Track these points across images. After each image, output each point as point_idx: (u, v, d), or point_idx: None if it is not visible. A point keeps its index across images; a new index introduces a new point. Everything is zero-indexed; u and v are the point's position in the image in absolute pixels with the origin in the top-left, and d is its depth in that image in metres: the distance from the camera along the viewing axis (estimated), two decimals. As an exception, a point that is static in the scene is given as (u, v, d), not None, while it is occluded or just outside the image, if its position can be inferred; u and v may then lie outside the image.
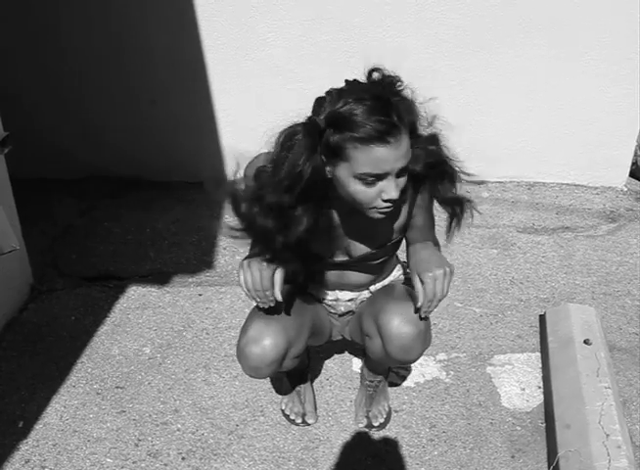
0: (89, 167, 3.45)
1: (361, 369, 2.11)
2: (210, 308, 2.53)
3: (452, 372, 2.23)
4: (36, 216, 3.08)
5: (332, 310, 1.89)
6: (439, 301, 1.54)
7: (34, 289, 2.62)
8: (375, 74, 1.49)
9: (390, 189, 1.45)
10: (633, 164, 3.42)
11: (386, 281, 1.85)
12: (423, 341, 1.67)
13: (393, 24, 3.08)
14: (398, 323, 1.63)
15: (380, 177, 1.44)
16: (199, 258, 2.84)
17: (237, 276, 1.58)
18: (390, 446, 1.96)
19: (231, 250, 2.89)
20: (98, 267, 2.79)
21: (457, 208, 1.66)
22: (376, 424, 2.00)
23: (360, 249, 1.69)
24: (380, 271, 1.81)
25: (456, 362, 2.27)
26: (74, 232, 3.07)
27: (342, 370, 2.24)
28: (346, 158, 1.41)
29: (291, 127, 1.45)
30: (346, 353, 2.31)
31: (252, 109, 3.27)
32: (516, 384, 2.18)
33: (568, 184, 3.42)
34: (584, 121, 3.26)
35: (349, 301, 1.85)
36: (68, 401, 2.12)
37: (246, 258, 1.61)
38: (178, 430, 2.01)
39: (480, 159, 3.36)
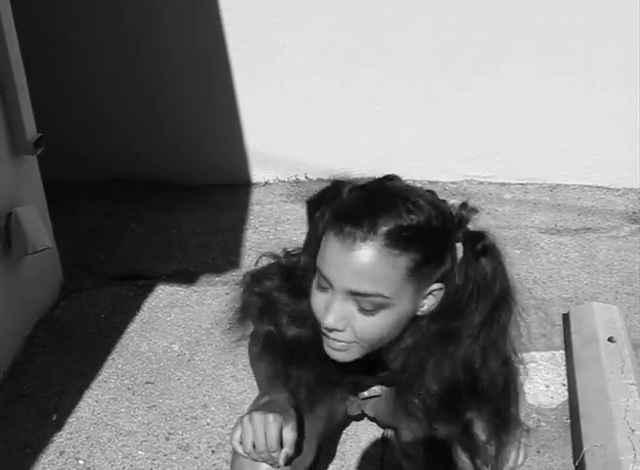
0: (113, 172, 3.51)
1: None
2: (237, 307, 2.57)
3: (477, 369, 2.25)
4: (64, 218, 3.13)
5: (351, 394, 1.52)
6: None
7: (64, 288, 2.68)
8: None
9: (328, 309, 1.08)
10: (655, 165, 3.43)
11: None
12: None
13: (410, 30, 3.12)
14: None
15: (328, 284, 1.08)
16: (224, 258, 2.89)
17: (231, 433, 1.24)
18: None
19: (256, 250, 2.93)
20: (126, 267, 2.85)
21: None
22: None
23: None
24: None
25: (480, 360, 2.29)
26: (101, 233, 3.13)
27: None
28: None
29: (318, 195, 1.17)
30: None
31: (274, 112, 3.32)
32: (540, 381, 2.20)
33: (589, 186, 3.43)
34: (605, 123, 3.27)
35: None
36: (100, 396, 2.16)
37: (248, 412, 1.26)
38: (208, 424, 2.05)
39: (502, 161, 3.40)
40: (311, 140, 3.37)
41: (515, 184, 3.44)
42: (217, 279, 2.74)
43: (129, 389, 2.19)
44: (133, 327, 2.48)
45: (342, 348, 1.11)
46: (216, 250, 2.95)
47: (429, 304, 1.11)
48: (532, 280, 2.72)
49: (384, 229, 1.01)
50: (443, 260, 1.07)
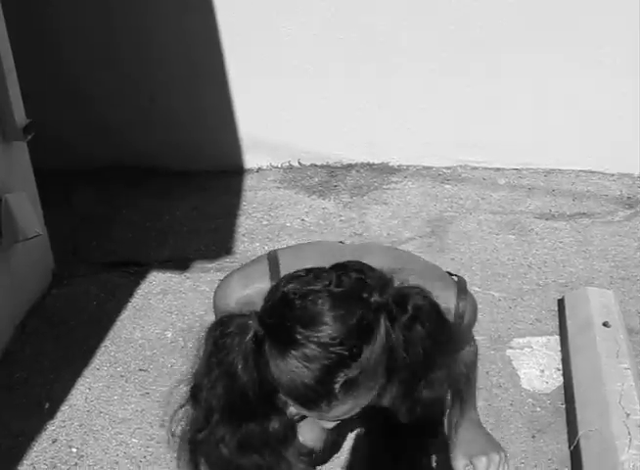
0: (105, 158, 3.48)
1: None
2: (230, 293, 2.56)
3: (472, 355, 2.24)
4: (55, 205, 3.10)
5: None
6: None
7: (56, 275, 2.66)
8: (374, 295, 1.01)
9: (325, 422, 1.09)
10: (650, 150, 3.42)
11: None
12: None
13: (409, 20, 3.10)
14: None
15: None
16: (218, 245, 2.87)
17: None
18: (412, 426, 1.97)
19: (250, 236, 2.91)
20: (118, 253, 2.83)
21: None
22: None
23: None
24: None
25: (475, 345, 2.29)
26: (94, 220, 3.10)
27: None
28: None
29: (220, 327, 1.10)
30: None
31: (268, 98, 3.29)
32: (535, 366, 2.19)
33: (584, 171, 3.42)
34: (600, 109, 3.25)
35: None
36: (93, 384, 2.15)
37: None
38: (201, 411, 2.03)
39: (497, 146, 3.39)
40: (305, 126, 3.34)
41: (509, 169, 3.43)
42: (210, 266, 2.72)
43: (122, 376, 2.18)
44: (126, 314, 2.46)
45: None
46: (209, 236, 2.93)
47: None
48: (527, 265, 2.71)
49: (337, 387, 0.96)
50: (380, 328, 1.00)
